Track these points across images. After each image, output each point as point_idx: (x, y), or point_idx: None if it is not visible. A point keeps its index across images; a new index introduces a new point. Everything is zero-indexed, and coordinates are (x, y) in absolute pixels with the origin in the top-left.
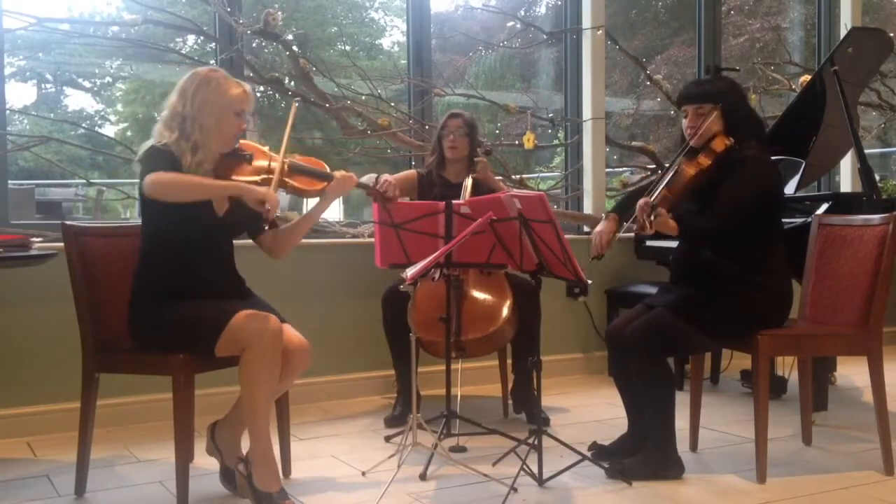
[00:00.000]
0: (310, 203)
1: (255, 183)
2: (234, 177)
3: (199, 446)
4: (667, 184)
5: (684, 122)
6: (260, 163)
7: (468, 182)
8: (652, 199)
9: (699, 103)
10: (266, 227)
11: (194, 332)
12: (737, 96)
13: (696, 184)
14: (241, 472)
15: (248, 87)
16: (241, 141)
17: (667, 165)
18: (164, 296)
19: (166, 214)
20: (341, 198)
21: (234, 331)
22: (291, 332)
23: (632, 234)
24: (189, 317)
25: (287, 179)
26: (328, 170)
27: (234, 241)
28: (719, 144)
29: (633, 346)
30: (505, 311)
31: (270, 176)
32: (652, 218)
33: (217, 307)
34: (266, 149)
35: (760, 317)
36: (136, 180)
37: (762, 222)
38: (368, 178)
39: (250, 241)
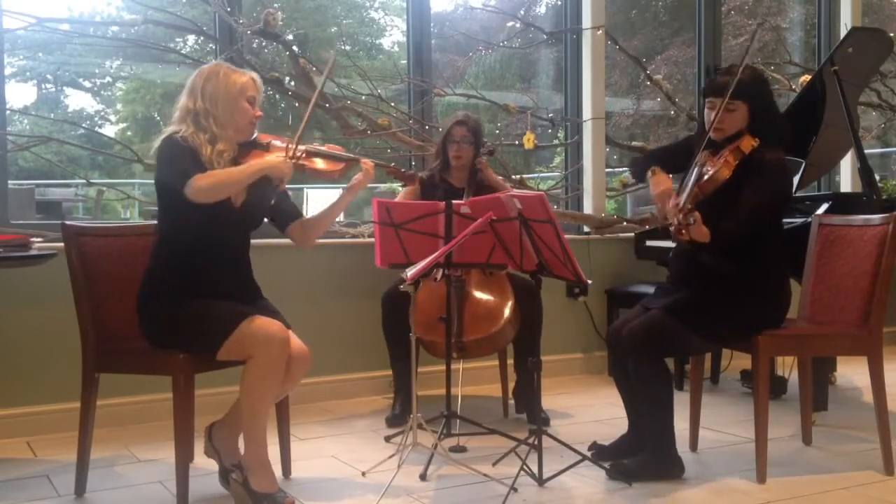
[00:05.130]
0: (309, 199)
1: None
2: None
3: (200, 446)
4: (698, 183)
5: (707, 112)
6: (277, 149)
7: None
8: (683, 199)
9: (730, 99)
10: (272, 201)
11: (201, 332)
12: (765, 92)
13: (724, 185)
14: (236, 480)
15: (254, 74)
16: (259, 134)
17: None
18: (173, 293)
19: (186, 211)
20: None
21: (242, 336)
22: (293, 339)
23: (632, 235)
24: (198, 316)
25: (304, 163)
26: (347, 154)
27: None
28: (747, 146)
29: (630, 347)
30: (507, 312)
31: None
32: (691, 222)
33: (227, 309)
34: (284, 138)
35: (758, 317)
36: (135, 180)
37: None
38: None
39: (257, 241)
